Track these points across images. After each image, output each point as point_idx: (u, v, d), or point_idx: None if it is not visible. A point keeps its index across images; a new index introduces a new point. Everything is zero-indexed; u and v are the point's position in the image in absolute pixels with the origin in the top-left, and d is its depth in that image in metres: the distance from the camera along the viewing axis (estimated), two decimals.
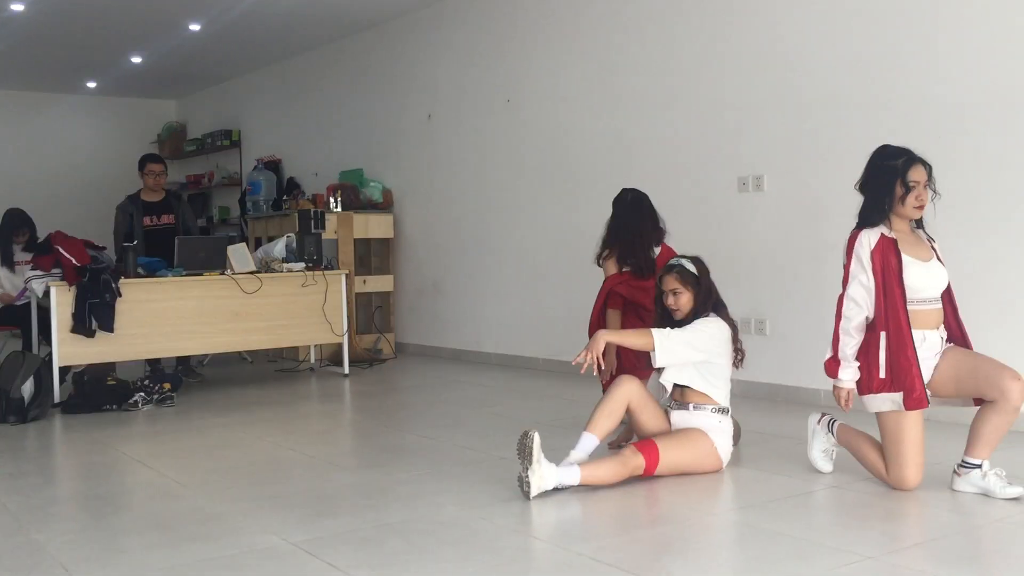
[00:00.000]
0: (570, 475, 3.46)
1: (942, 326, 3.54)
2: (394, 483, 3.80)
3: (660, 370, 3.82)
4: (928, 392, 3.43)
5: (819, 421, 3.79)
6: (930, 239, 3.62)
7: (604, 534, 3.17)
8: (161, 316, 6.07)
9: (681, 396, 3.81)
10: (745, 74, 5.68)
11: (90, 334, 5.70)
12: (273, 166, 10.17)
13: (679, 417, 3.79)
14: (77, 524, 3.39)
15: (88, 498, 3.82)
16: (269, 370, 7.60)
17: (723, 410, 3.78)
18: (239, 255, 6.48)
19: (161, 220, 6.92)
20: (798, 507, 3.38)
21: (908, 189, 3.46)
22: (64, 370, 5.93)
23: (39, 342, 6.30)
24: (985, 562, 2.87)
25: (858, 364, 3.51)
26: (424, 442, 4.67)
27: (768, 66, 5.56)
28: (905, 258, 3.46)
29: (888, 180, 3.48)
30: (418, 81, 8.36)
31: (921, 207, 3.50)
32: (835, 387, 3.58)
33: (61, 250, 5.78)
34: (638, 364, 4.19)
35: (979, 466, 3.39)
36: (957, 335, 3.58)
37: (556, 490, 3.46)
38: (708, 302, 3.81)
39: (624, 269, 4.55)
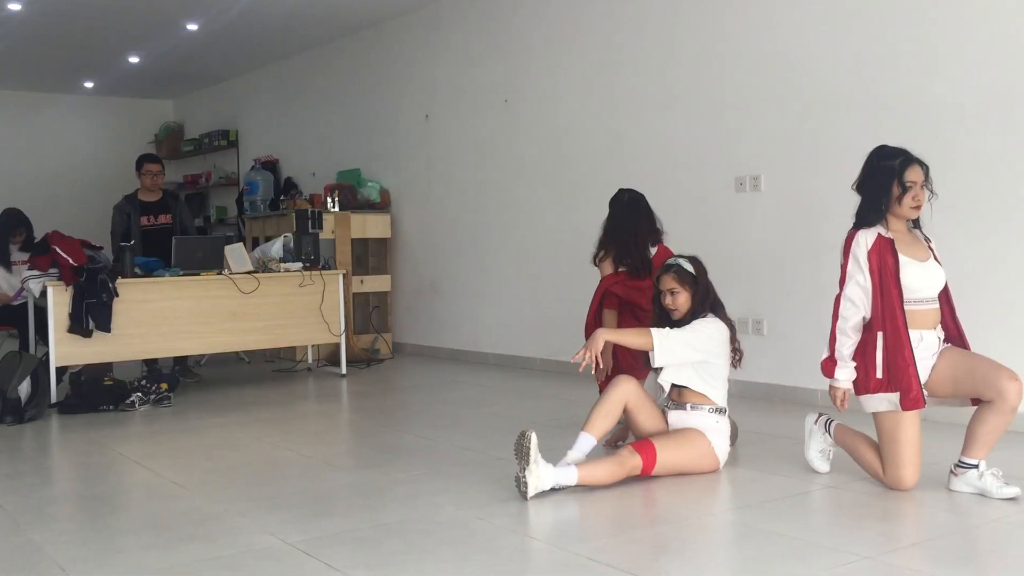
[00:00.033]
0: (567, 475, 3.46)
1: (939, 326, 3.55)
2: (391, 483, 3.80)
3: (658, 370, 3.82)
4: (925, 392, 3.44)
5: (816, 421, 3.80)
6: (927, 239, 3.63)
7: (601, 534, 3.17)
8: (158, 316, 6.07)
9: (678, 396, 3.81)
10: (743, 74, 5.68)
11: (87, 334, 5.69)
12: (270, 166, 10.16)
13: (676, 417, 3.79)
14: (74, 524, 3.39)
15: (85, 498, 3.82)
16: (266, 370, 7.59)
17: (720, 410, 3.78)
18: (236, 255, 6.48)
19: (158, 220, 6.91)
20: (795, 507, 3.38)
21: (905, 189, 3.46)
22: (61, 370, 5.92)
23: (36, 342, 6.29)
24: (982, 562, 2.87)
25: (855, 364, 3.51)
26: (422, 442, 4.67)
27: (766, 66, 5.56)
28: (902, 258, 3.46)
29: (885, 180, 3.49)
30: (416, 81, 8.36)
31: (918, 207, 3.51)
32: (831, 387, 3.58)
33: (58, 250, 5.77)
34: (635, 364, 4.19)
35: (976, 466, 3.40)
36: (954, 335, 3.58)
37: (553, 490, 3.46)
38: (706, 302, 3.81)
39: (620, 269, 4.55)
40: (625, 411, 3.77)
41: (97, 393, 5.71)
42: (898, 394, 3.40)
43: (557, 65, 6.98)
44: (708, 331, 3.75)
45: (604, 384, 4.07)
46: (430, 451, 4.42)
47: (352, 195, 8.39)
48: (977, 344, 3.61)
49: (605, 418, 3.71)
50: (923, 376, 3.45)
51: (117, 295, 5.79)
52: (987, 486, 3.36)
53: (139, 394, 5.75)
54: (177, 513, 3.43)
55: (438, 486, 3.70)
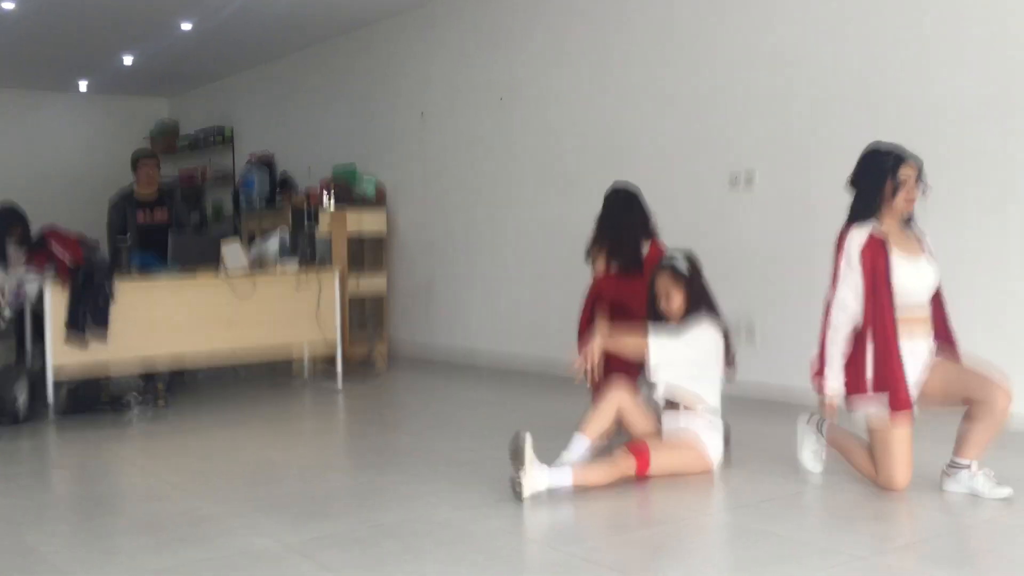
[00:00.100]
0: (562, 477, 3.47)
1: (931, 337, 3.55)
2: (387, 485, 3.80)
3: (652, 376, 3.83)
4: (914, 395, 3.45)
5: (808, 422, 3.81)
6: (921, 234, 3.64)
7: (596, 535, 3.18)
8: (153, 324, 5.96)
9: (672, 399, 3.82)
10: (737, 72, 5.70)
11: (84, 346, 5.63)
12: (266, 162, 10.15)
13: (670, 419, 3.81)
14: (70, 526, 3.39)
15: (81, 500, 3.82)
16: (263, 381, 7.52)
17: (714, 412, 3.80)
18: (232, 254, 6.44)
19: (155, 216, 6.89)
20: (788, 508, 3.40)
21: (898, 185, 3.48)
22: (57, 387, 5.86)
23: (32, 352, 6.24)
24: (974, 562, 2.89)
25: (844, 370, 3.52)
26: (417, 444, 4.67)
27: (760, 64, 5.57)
28: (894, 255, 3.46)
29: (879, 177, 3.51)
30: (411, 78, 8.36)
31: (911, 203, 3.52)
32: (820, 392, 3.59)
33: (54, 245, 5.73)
34: (628, 366, 4.19)
35: (968, 467, 3.41)
36: (946, 343, 3.58)
37: (548, 492, 3.47)
38: (701, 303, 3.82)
39: (612, 264, 4.54)
40: (619, 413, 3.78)
41: (94, 405, 5.69)
42: (887, 397, 3.41)
43: (552, 62, 6.98)
44: (703, 339, 3.77)
45: (598, 387, 4.08)
46: (425, 452, 4.42)
47: (348, 192, 8.39)
48: (965, 343, 3.62)
49: (600, 420, 3.73)
50: (914, 388, 3.46)
51: (115, 300, 5.70)
52: (979, 486, 3.37)
53: (135, 394, 5.75)
54: (173, 514, 3.43)
55: (434, 488, 3.71)
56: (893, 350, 3.41)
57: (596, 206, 4.80)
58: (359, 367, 7.75)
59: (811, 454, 3.78)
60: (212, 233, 7.26)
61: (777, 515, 3.27)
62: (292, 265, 6.65)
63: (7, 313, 5.83)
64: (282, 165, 10.13)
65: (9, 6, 7.70)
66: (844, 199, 3.63)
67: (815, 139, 5.31)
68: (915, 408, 3.44)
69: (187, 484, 3.91)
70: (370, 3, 8.07)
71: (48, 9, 7.89)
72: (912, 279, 3.49)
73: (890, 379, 3.40)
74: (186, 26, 8.50)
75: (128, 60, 9.92)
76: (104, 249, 6.36)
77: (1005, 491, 3.35)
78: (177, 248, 6.26)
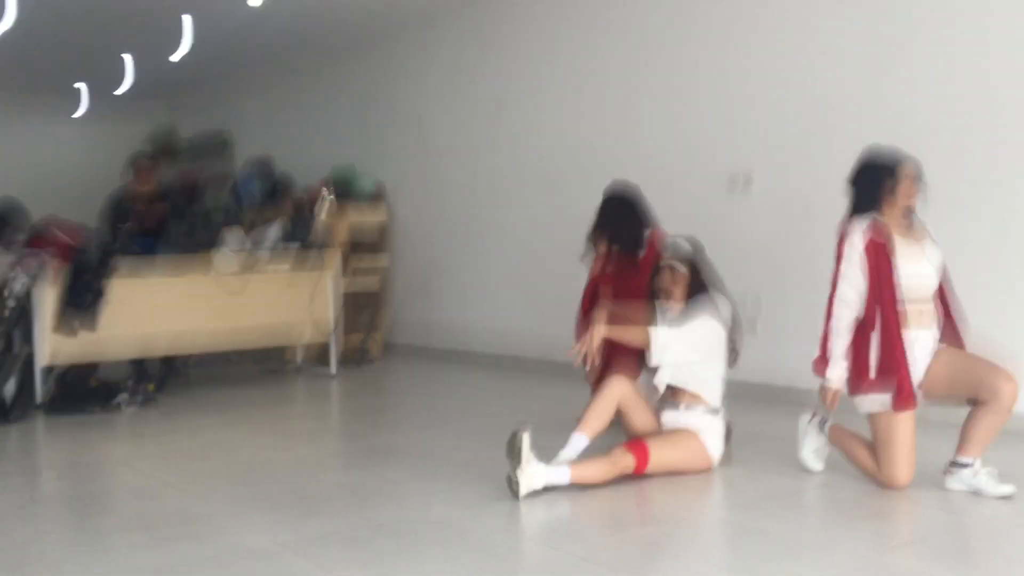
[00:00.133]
0: (560, 475, 3.44)
1: (935, 327, 3.53)
2: (383, 483, 3.77)
3: (652, 369, 3.79)
4: (920, 392, 3.43)
5: (810, 420, 3.78)
6: (922, 224, 3.62)
7: (594, 534, 3.15)
8: (146, 311, 5.96)
9: (673, 396, 3.79)
10: (733, 74, 5.68)
11: (73, 333, 5.61)
12: (265, 163, 10.14)
13: (670, 417, 3.78)
14: (60, 524, 3.36)
15: (71, 498, 3.79)
16: (255, 371, 7.54)
17: (714, 410, 3.77)
18: (233, 238, 6.43)
19: (155, 209, 6.87)
20: (789, 506, 3.37)
21: (897, 184, 3.48)
22: (46, 371, 5.84)
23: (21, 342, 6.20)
24: (976, 560, 2.87)
25: (847, 364, 3.50)
26: (413, 442, 4.64)
27: (758, 67, 5.56)
28: (897, 243, 3.45)
29: (878, 176, 3.52)
30: (408, 87, 8.40)
31: (911, 199, 3.52)
32: (822, 386, 3.57)
33: (55, 228, 5.73)
34: (629, 364, 4.15)
35: (970, 465, 3.39)
36: (950, 331, 3.56)
37: (546, 490, 3.43)
38: (705, 289, 3.81)
39: (614, 247, 4.54)
40: (619, 411, 3.75)
41: (83, 394, 5.65)
42: (891, 394, 3.39)
43: (549, 64, 6.98)
44: (705, 331, 3.74)
45: (597, 384, 4.05)
46: (421, 450, 4.39)
47: (347, 188, 8.40)
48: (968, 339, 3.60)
49: (598, 418, 3.68)
50: (917, 377, 3.44)
51: (107, 286, 5.65)
52: (981, 484, 3.35)
53: (125, 395, 5.70)
54: (165, 513, 3.40)
55: (430, 486, 3.67)
56: (897, 348, 3.39)
57: (593, 209, 4.79)
58: (355, 354, 7.74)
59: (812, 453, 3.76)
60: (213, 221, 7.22)
61: (778, 513, 3.24)
62: (292, 249, 6.66)
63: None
64: (281, 166, 10.14)
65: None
66: (843, 201, 3.63)
67: (813, 141, 5.29)
68: (918, 396, 3.42)
69: (180, 482, 3.86)
70: (369, 17, 8.10)
71: (48, 13, 7.88)
72: (916, 266, 3.48)
73: (894, 378, 3.38)
74: (187, 31, 8.48)
75: (128, 64, 9.91)
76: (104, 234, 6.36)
77: (1007, 488, 3.32)
78: (176, 232, 6.25)
